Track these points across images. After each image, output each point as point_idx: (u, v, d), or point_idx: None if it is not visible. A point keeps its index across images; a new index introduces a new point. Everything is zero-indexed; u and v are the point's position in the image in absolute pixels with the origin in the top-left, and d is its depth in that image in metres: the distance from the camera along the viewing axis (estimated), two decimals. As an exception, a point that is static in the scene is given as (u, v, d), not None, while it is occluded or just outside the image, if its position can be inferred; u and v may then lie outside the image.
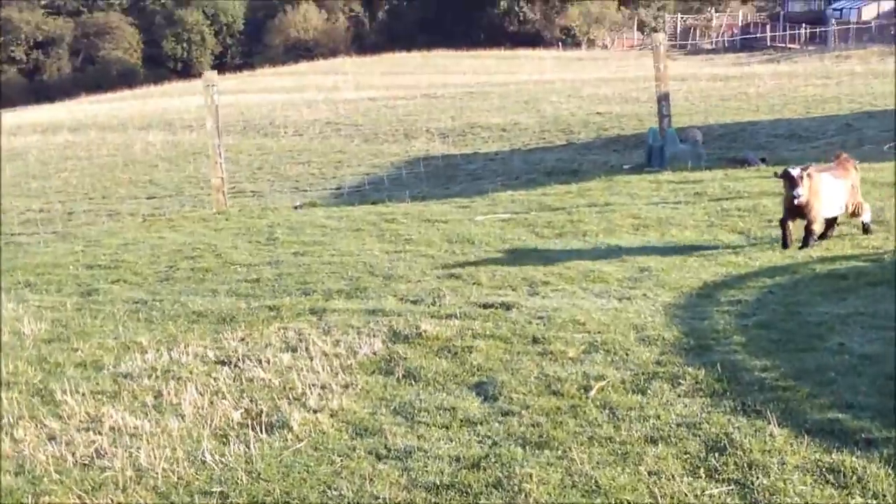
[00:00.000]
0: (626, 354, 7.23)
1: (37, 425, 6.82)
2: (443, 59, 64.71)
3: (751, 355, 7.06)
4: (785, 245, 9.90)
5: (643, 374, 6.85)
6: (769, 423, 5.87)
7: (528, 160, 17.18)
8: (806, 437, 5.67)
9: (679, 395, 6.45)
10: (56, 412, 7.01)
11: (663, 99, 15.20)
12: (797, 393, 6.31)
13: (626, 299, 8.61)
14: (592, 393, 6.60)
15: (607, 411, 6.30)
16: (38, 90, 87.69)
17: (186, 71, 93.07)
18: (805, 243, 9.90)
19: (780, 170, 10.16)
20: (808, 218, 9.86)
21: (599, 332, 7.72)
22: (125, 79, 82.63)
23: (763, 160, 14.45)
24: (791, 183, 9.67)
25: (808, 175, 9.71)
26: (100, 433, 6.58)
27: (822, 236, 10.19)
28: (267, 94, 38.40)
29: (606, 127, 20.31)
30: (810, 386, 6.41)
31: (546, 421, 6.23)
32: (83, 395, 7.29)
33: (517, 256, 10.45)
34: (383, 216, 13.01)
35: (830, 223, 10.26)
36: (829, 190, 9.90)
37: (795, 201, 9.63)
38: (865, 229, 10.33)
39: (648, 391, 6.54)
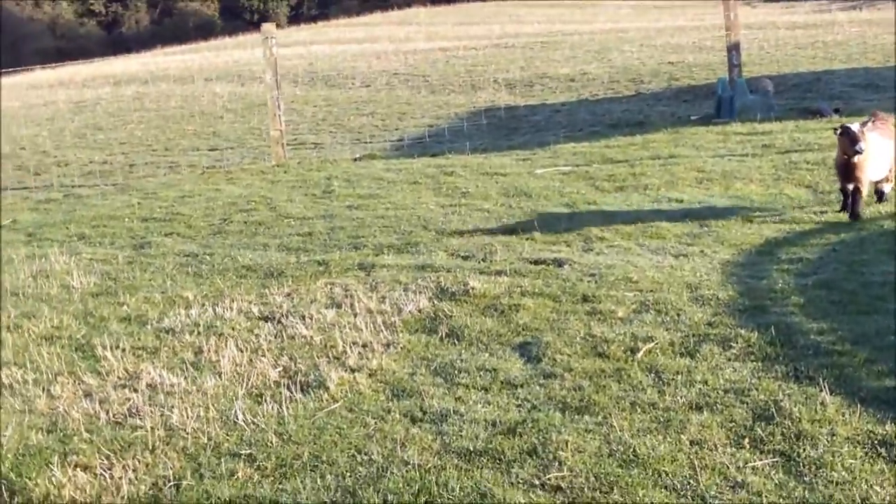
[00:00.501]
0: (678, 315, 6.96)
1: (75, 381, 6.75)
2: (517, 9, 63.92)
3: (808, 317, 6.75)
4: (854, 214, 9.05)
5: (693, 335, 6.57)
6: (821, 390, 5.58)
7: (595, 111, 16.81)
8: (859, 406, 5.37)
9: (729, 359, 6.17)
10: (95, 368, 6.94)
11: (733, 48, 14.72)
12: (854, 358, 6.00)
13: (683, 256, 8.31)
14: (639, 355, 6.34)
15: (653, 375, 6.05)
16: (117, 42, 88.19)
17: (263, 22, 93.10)
18: (855, 213, 9.04)
19: (839, 126, 9.17)
20: (858, 181, 8.96)
21: (652, 291, 7.44)
22: (202, 31, 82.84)
23: (837, 110, 13.94)
24: (851, 139, 8.77)
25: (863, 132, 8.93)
26: (136, 390, 6.48)
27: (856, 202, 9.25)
28: (339, 45, 38.17)
29: (678, 77, 19.81)
30: (868, 351, 6.09)
31: (589, 384, 5.99)
32: (124, 350, 7.21)
33: (575, 211, 10.18)
34: (442, 168, 12.77)
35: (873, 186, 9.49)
36: (878, 150, 9.07)
37: (854, 158, 8.79)
38: (883, 196, 9.50)
39: (698, 354, 6.27)
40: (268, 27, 14.24)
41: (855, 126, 8.84)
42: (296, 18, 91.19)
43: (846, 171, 8.95)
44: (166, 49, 57.64)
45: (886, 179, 9.36)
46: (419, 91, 21.76)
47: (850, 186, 9.00)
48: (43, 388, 6.66)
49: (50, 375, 6.88)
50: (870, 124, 9.16)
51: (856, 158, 8.78)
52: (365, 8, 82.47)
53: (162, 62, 37.96)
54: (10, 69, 30.21)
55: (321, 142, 16.45)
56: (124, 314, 8.05)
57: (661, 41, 26.29)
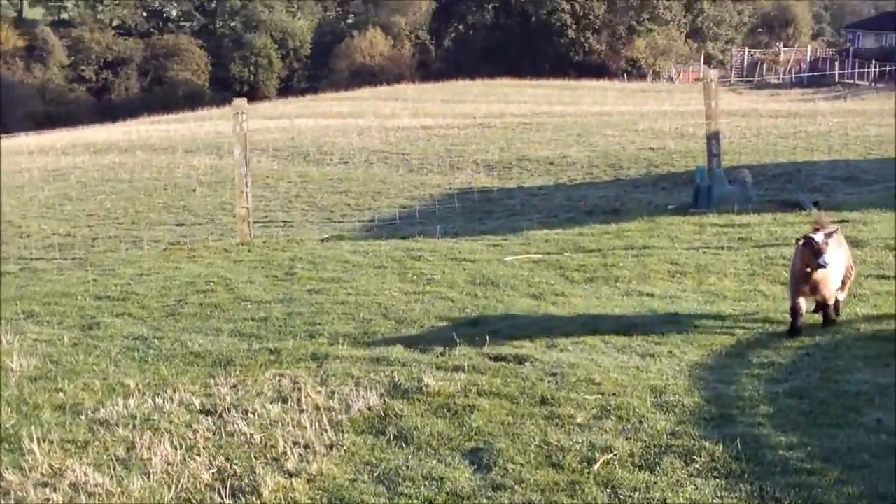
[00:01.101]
0: (640, 422, 6.57)
1: (-6, 478, 6.31)
2: (505, 88, 64.22)
3: (777, 429, 6.36)
4: (794, 331, 8.29)
5: (655, 446, 6.17)
6: (787, 515, 5.18)
7: (572, 196, 16.52)
8: (827, 535, 4.97)
9: (691, 475, 5.77)
10: (19, 462, 6.50)
11: (713, 137, 14.47)
12: (823, 478, 5.61)
13: (650, 356, 7.93)
14: (596, 467, 5.94)
15: (609, 491, 5.65)
16: (105, 109, 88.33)
17: (253, 93, 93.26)
18: (828, 318, 8.49)
19: (801, 236, 8.30)
20: (823, 295, 8.34)
21: (615, 395, 7.05)
22: (191, 100, 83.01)
23: (816, 203, 13.66)
24: (814, 251, 7.99)
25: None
26: (56, 490, 6.07)
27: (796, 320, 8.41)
28: (323, 119, 38.05)
29: (657, 163, 19.59)
30: (840, 470, 5.70)
31: (540, 499, 5.60)
32: (52, 443, 6.78)
33: (542, 303, 9.80)
34: (410, 252, 12.41)
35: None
36: (836, 259, 8.32)
37: (819, 272, 8.06)
38: (837, 309, 8.65)
39: (658, 468, 5.87)
40: (239, 102, 13.95)
41: (818, 236, 8.06)
42: (285, 91, 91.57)
43: (808, 284, 8.22)
44: (153, 117, 57.66)
45: (842, 287, 8.69)
46: (397, 169, 21.50)
47: (803, 302, 8.34)
48: (-42, 485, 6.23)
49: (-31, 470, 6.45)
50: (834, 235, 8.36)
51: (819, 273, 8.09)
52: (354, 82, 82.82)
53: (145, 131, 37.79)
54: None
55: (291, 220, 16.11)
56: (60, 402, 7.62)
57: (643, 126, 26.18)
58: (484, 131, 27.98)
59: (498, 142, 24.94)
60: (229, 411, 7.18)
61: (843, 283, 8.64)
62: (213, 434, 6.82)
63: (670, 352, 8.01)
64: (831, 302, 8.45)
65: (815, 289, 8.26)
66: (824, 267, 7.99)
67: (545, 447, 6.27)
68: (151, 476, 6.18)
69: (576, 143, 23.99)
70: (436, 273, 11.18)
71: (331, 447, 6.48)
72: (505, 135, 26.68)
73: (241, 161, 13.84)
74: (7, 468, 6.42)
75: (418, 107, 45.05)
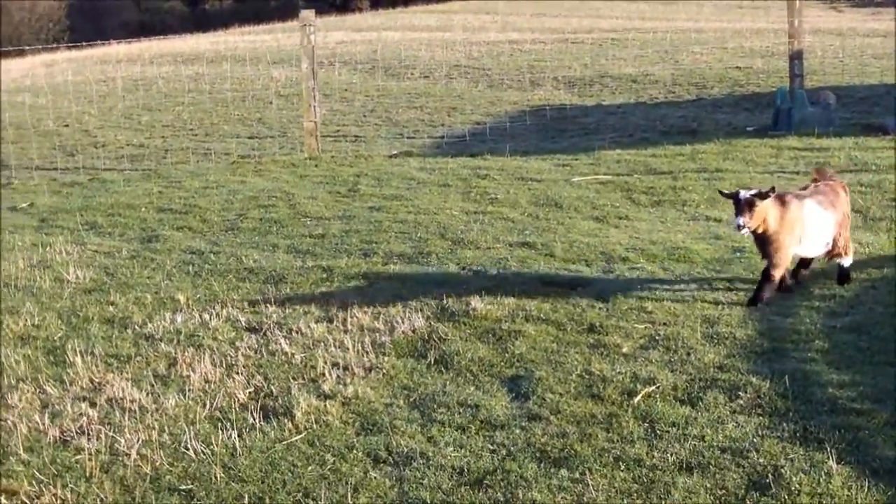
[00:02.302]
0: (687, 354, 6.35)
1: (35, 390, 6.35)
2: (598, 3, 62.96)
3: (829, 366, 6.10)
4: (754, 299, 7.18)
5: (700, 379, 5.97)
6: (829, 457, 4.95)
7: (650, 115, 16.08)
8: (869, 480, 4.74)
9: (733, 412, 5.56)
10: (61, 376, 6.52)
11: (796, 57, 13.93)
12: (872, 420, 5.36)
13: (708, 285, 7.67)
14: (636, 400, 5.76)
15: (646, 425, 5.46)
16: (199, 19, 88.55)
17: (345, 5, 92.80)
18: (755, 298, 7.14)
19: (730, 191, 7.17)
20: (770, 258, 7.11)
21: (665, 324, 6.84)
22: (282, 12, 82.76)
23: (903, 128, 13.11)
24: (735, 210, 6.91)
25: (773, 199, 6.94)
26: (94, 405, 6.07)
27: (794, 277, 7.55)
28: (410, 33, 37.63)
29: (743, 83, 18.97)
30: (890, 411, 5.43)
31: (574, 431, 5.43)
32: (96, 357, 6.78)
33: (604, 226, 9.56)
34: (476, 171, 12.19)
35: (806, 263, 7.65)
36: (813, 222, 7.16)
37: (738, 232, 7.06)
38: (843, 275, 7.52)
39: (700, 403, 5.67)
40: (306, 14, 13.73)
41: (745, 193, 6.87)
42: (377, 3, 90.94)
43: (757, 242, 7.23)
44: (244, 28, 57.54)
45: (838, 254, 7.46)
46: (476, 85, 21.16)
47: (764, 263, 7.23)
48: (0, 397, 6.25)
49: (12, 381, 6.48)
50: (811, 187, 7.42)
51: (740, 233, 7.05)
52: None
53: (233, 42, 37.70)
54: (90, 42, 30.11)
55: (363, 135, 15.94)
56: (109, 315, 7.64)
57: (733, 44, 25.37)
58: (570, 47, 27.39)
59: (582, 58, 24.40)
60: (273, 330, 7.12)
61: (834, 248, 7.40)
62: (255, 352, 6.77)
63: (729, 281, 7.74)
64: (776, 273, 7.10)
65: (763, 248, 7.16)
66: (738, 230, 6.90)
67: (586, 377, 6.10)
68: (187, 393, 6.15)
69: (661, 60, 23.36)
70: (499, 192, 10.97)
71: (370, 370, 6.38)
72: (591, 51, 26.09)
73: (309, 74, 13.68)
74: (48, 381, 6.43)
75: (508, 21, 44.38)
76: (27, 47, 50.68)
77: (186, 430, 5.62)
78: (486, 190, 11.13)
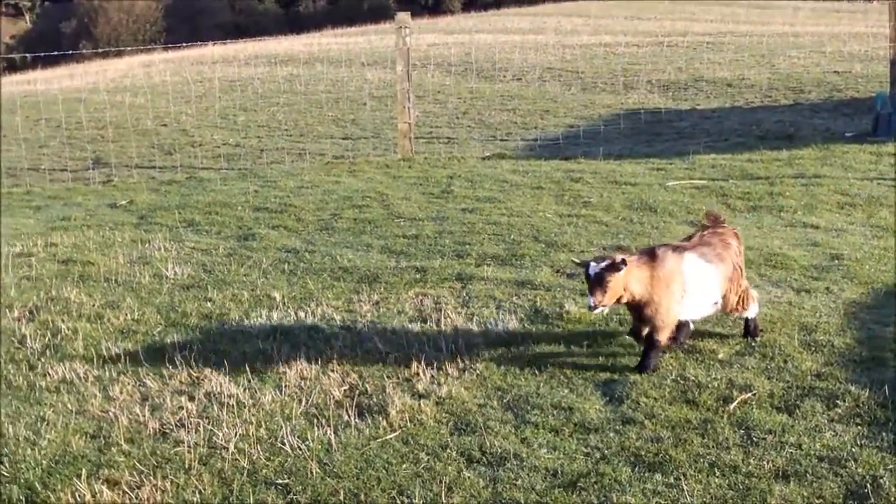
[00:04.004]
0: (784, 361, 6.28)
1: (135, 383, 6.47)
2: (693, 6, 62.40)
3: (931, 376, 5.99)
4: (643, 367, 6.28)
5: (797, 387, 5.90)
6: (930, 468, 4.87)
7: (746, 120, 15.93)
8: (972, 492, 4.65)
9: (831, 420, 5.48)
10: (160, 369, 6.64)
11: (897, 62, 13.74)
12: (975, 431, 5.25)
13: (805, 292, 7.58)
14: (732, 406, 5.71)
15: (742, 432, 5.41)
16: (293, 21, 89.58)
17: (436, 8, 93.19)
18: (642, 366, 6.27)
19: (581, 260, 6.28)
20: (651, 322, 6.24)
21: (762, 330, 6.76)
22: (375, 13, 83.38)
23: None
24: (587, 285, 6.06)
25: (637, 259, 6.17)
26: (192, 398, 6.16)
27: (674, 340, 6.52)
28: (502, 35, 37.71)
29: (841, 88, 18.72)
30: None
31: (669, 436, 5.40)
32: (195, 352, 6.89)
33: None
34: (569, 174, 12.18)
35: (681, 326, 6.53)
36: (696, 279, 6.26)
37: (591, 313, 6.31)
38: (748, 329, 6.70)
39: (797, 411, 5.60)
40: (402, 16, 13.83)
41: (595, 267, 5.97)
42: (469, 5, 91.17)
43: (630, 309, 6.34)
44: (337, 30, 58.04)
45: (734, 309, 6.60)
46: (569, 88, 21.14)
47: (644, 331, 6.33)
48: (101, 388, 6.39)
49: (113, 374, 6.62)
50: (696, 237, 6.57)
51: (593, 313, 6.27)
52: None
53: (326, 43, 38.11)
54: (186, 43, 30.69)
55: (456, 136, 16.01)
56: (207, 311, 7.76)
57: (831, 48, 25.03)
58: (663, 50, 27.26)
59: (676, 61, 24.26)
60: (368, 328, 7.18)
61: (726, 305, 6.54)
62: (350, 350, 6.83)
63: (827, 288, 7.64)
64: (662, 337, 6.25)
65: (637, 317, 6.34)
66: (590, 310, 6.07)
67: (681, 382, 6.06)
68: (284, 389, 6.22)
69: (757, 64, 23.13)
70: (593, 196, 10.95)
71: (463, 370, 6.40)
72: (685, 54, 25.93)
73: (404, 76, 13.77)
74: (148, 374, 6.56)
75: (600, 24, 44.22)
76: (125, 48, 51.73)
77: (283, 425, 5.69)
78: (579, 193, 11.11)
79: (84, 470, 5.27)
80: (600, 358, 6.48)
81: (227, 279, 8.58)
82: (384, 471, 5.19)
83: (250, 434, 5.64)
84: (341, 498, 4.95)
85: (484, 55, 27.37)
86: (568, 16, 54.01)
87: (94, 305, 7.98)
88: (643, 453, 5.23)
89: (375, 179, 12.47)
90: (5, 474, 5.29)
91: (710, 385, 5.98)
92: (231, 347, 6.99)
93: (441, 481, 5.04)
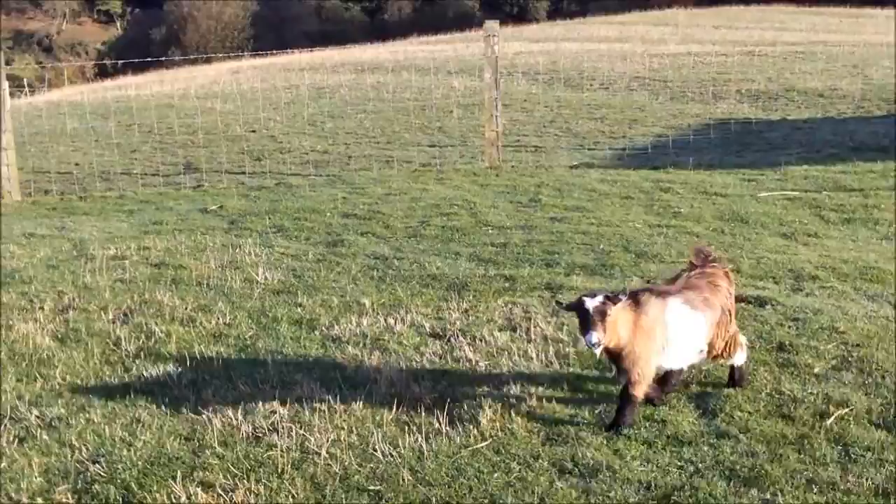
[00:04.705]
0: (882, 377, 6.16)
1: (228, 386, 6.52)
2: (782, 14, 61.65)
3: None
4: (616, 423, 5.71)
5: (896, 404, 5.77)
6: None
7: (838, 131, 15.68)
8: None
9: (932, 438, 5.36)
10: (252, 373, 6.69)
11: None
12: None
13: (903, 307, 7.42)
14: (829, 422, 5.60)
15: (840, 448, 5.31)
16: (378, 28, 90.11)
17: (522, 16, 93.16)
18: (615, 424, 5.69)
19: (575, 299, 5.69)
20: (628, 374, 5.66)
21: (858, 346, 6.64)
22: (460, 21, 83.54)
23: None
24: (582, 323, 5.48)
25: (627, 303, 5.59)
26: (284, 403, 6.19)
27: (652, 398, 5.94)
28: (588, 44, 37.59)
29: (938, 98, 18.39)
30: None
31: (764, 451, 5.32)
32: (286, 356, 6.95)
33: (791, 243, 9.35)
34: (659, 184, 12.09)
35: (668, 377, 6.02)
36: (680, 327, 5.72)
37: (593, 351, 5.60)
38: (734, 377, 6.15)
39: (896, 428, 5.49)
40: (490, 24, 13.83)
41: (593, 300, 5.44)
42: (555, 14, 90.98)
43: (608, 355, 5.74)
44: (422, 38, 58.29)
45: (719, 356, 6.03)
46: (657, 97, 20.99)
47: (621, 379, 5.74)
48: (195, 391, 6.46)
49: (206, 377, 6.69)
50: (683, 278, 6.03)
51: (595, 352, 5.61)
52: (624, 6, 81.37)
53: (412, 51, 38.28)
54: (273, 50, 31.00)
55: (543, 145, 15.96)
56: (297, 316, 7.81)
57: (926, 58, 24.55)
58: (752, 59, 26.95)
59: (766, 71, 23.97)
60: (457, 336, 7.17)
61: (710, 352, 5.98)
62: (440, 358, 6.82)
63: (926, 303, 7.48)
64: (638, 391, 5.67)
65: (617, 361, 5.72)
66: (593, 348, 5.48)
67: (776, 396, 5.97)
68: (374, 396, 6.23)
69: (849, 74, 22.76)
70: (683, 206, 10.85)
71: (555, 380, 6.37)
72: (774, 64, 25.61)
73: (492, 84, 13.77)
74: (241, 378, 6.62)
75: (687, 32, 43.87)
76: (213, 54, 52.44)
77: (374, 431, 5.70)
78: (669, 203, 11.02)
79: (179, 472, 5.33)
80: (693, 371, 6.40)
81: (317, 285, 8.63)
82: (475, 479, 5.18)
83: (342, 439, 5.66)
84: (433, 505, 4.95)
85: (570, 63, 27.29)
86: (654, 24, 53.67)
87: (186, 309, 8.08)
88: (738, 468, 5.16)
89: (463, 187, 12.48)
90: (102, 474, 5.36)
91: (806, 400, 5.89)
92: (321, 353, 7.03)
93: (533, 492, 5.02)
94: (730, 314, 5.99)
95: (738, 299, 7.54)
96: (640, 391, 5.68)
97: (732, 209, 10.61)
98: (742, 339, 6.15)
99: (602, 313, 5.40)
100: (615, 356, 5.66)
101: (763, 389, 6.07)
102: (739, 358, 6.10)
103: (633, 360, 5.61)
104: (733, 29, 48.17)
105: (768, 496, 4.87)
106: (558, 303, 6.08)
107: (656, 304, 5.68)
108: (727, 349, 6.01)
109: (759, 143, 15.28)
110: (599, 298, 5.43)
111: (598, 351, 5.54)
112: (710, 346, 5.93)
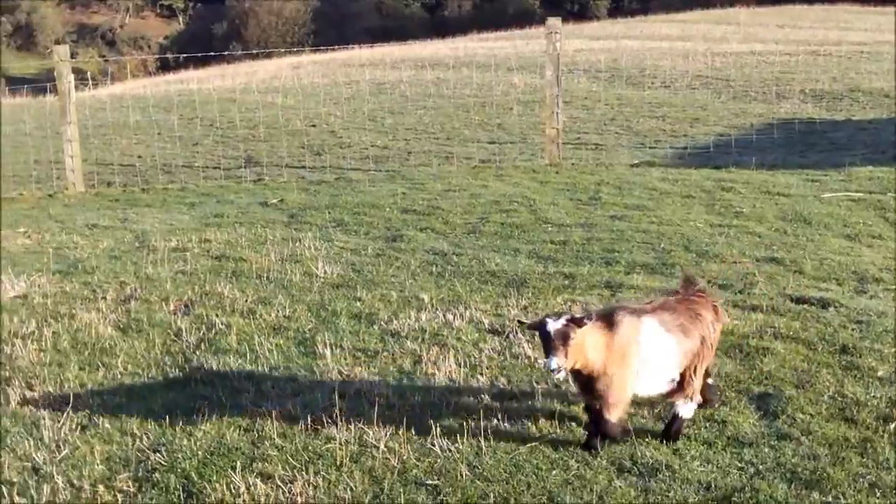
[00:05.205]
0: (949, 382, 6.06)
1: (287, 378, 6.56)
2: (847, 14, 60.89)
3: None
4: (588, 445, 5.44)
5: (963, 409, 5.68)
6: None
7: (905, 132, 15.49)
8: None
9: None
10: (311, 366, 6.72)
11: None
12: None
13: (970, 311, 7.30)
14: (893, 426, 5.53)
15: (904, 452, 5.24)
16: (438, 25, 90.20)
17: (582, 13, 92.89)
18: (589, 442, 5.44)
19: (537, 319, 5.34)
20: (602, 398, 5.34)
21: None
22: (520, 18, 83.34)
23: None
24: (543, 346, 5.19)
25: (595, 322, 5.21)
26: (343, 396, 6.20)
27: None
28: (649, 42, 37.34)
29: None
30: None
31: (826, 454, 5.26)
32: (345, 350, 6.97)
33: (855, 245, 9.23)
34: (720, 183, 11.98)
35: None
36: (653, 348, 5.36)
37: (553, 376, 5.40)
38: (670, 428, 5.55)
39: (963, 433, 5.40)
40: (553, 21, 13.78)
41: (555, 323, 5.10)
42: (615, 11, 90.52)
43: (577, 381, 5.44)
44: (482, 34, 58.20)
45: (675, 392, 5.54)
46: (719, 96, 20.81)
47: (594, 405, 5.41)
48: (254, 383, 6.51)
49: (266, 369, 6.73)
50: (661, 300, 5.69)
51: (555, 377, 5.47)
52: (686, 4, 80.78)
53: (472, 48, 38.24)
54: (334, 46, 31.22)
55: (603, 143, 15.89)
56: (356, 310, 7.83)
57: None
58: (817, 59, 26.63)
59: (830, 71, 23.68)
60: (516, 333, 7.15)
61: (683, 383, 5.51)
62: (499, 354, 6.82)
63: None
64: (613, 417, 5.36)
65: (585, 390, 5.41)
66: (553, 373, 5.18)
67: (839, 399, 5.90)
68: (433, 391, 6.24)
69: (917, 74, 22.44)
70: (745, 206, 10.74)
71: (613, 379, 6.33)
72: (839, 64, 25.29)
73: (553, 81, 13.73)
74: (300, 370, 6.65)
75: (750, 31, 43.48)
76: (274, 49, 52.75)
77: (433, 426, 5.70)
78: (730, 203, 10.92)
79: (238, 462, 5.37)
80: (754, 371, 6.34)
81: (376, 279, 8.65)
82: (534, 476, 5.17)
83: (400, 434, 5.66)
84: (491, 501, 4.95)
85: (631, 61, 27.12)
86: (716, 23, 53.26)
87: (246, 301, 8.14)
88: (799, 470, 5.10)
89: (523, 184, 12.45)
90: (163, 463, 5.41)
91: (869, 403, 5.81)
92: (381, 347, 7.04)
93: (591, 490, 5.00)
94: (711, 347, 5.57)
95: (800, 301, 7.51)
96: (615, 416, 5.35)
97: (795, 209, 10.50)
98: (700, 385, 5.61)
99: (564, 336, 5.06)
100: (586, 380, 5.30)
101: (825, 392, 6.00)
102: (688, 408, 5.55)
103: (607, 384, 5.27)
104: (797, 28, 47.67)
105: (830, 499, 4.82)
106: (520, 322, 5.72)
107: (630, 323, 5.32)
108: (692, 390, 5.52)
109: (823, 143, 15.11)
110: (562, 321, 5.09)
111: (558, 377, 5.30)
112: (683, 378, 5.47)
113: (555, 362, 5.04)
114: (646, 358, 5.33)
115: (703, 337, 5.48)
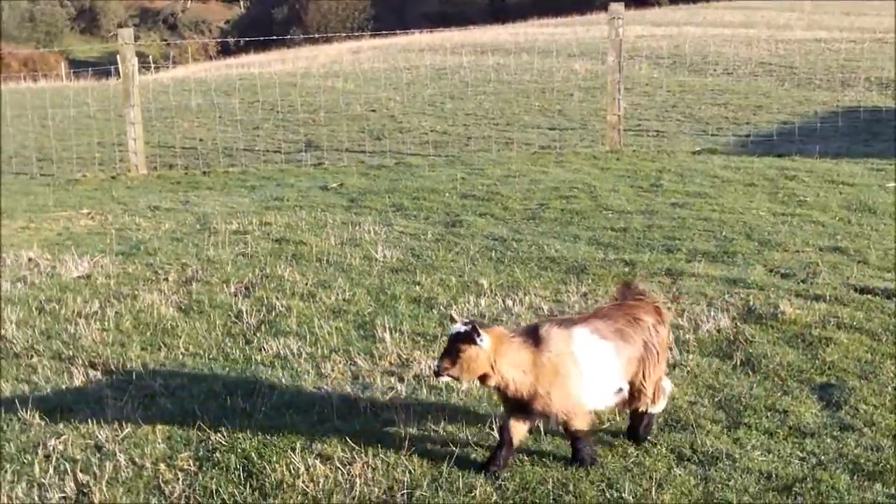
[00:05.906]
0: None
1: (346, 361, 6.59)
2: (914, 2, 59.92)
3: None
4: (491, 463, 5.10)
5: None
6: None
7: (974, 121, 15.24)
8: None
9: None
10: (371, 350, 6.75)
11: None
12: None
13: None
14: (959, 418, 5.44)
15: (970, 446, 5.15)
16: (498, 10, 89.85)
17: (643, 0, 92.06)
18: (577, 460, 5.12)
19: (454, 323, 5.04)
20: (554, 418, 5.08)
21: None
22: (581, 4, 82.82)
23: None
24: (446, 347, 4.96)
25: (519, 338, 4.98)
26: (402, 380, 6.24)
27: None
28: (711, 28, 37.00)
29: None
30: None
31: (890, 445, 5.19)
32: (404, 334, 6.98)
33: (922, 234, 9.10)
34: (784, 171, 11.86)
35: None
36: (588, 360, 5.01)
37: (438, 378, 5.11)
38: (639, 426, 5.38)
39: None
40: (616, 7, 13.68)
41: (456, 327, 4.89)
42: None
43: (505, 401, 5.14)
44: (542, 20, 58.01)
45: (639, 403, 5.28)
46: (782, 83, 20.58)
47: (515, 424, 5.08)
48: (314, 365, 6.54)
49: (325, 352, 6.76)
50: (594, 310, 5.56)
51: (442, 379, 5.07)
52: (749, -9, 79.81)
53: (532, 34, 38.10)
54: (393, 31, 31.22)
55: (664, 130, 15.78)
56: (415, 294, 7.84)
57: None
58: (882, 47, 26.21)
59: (897, 58, 23.33)
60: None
61: (632, 394, 5.24)
62: (559, 341, 6.78)
63: None
64: (576, 424, 5.07)
65: (518, 407, 5.06)
66: (436, 376, 4.97)
67: (904, 390, 5.82)
68: (492, 376, 6.22)
69: (985, 63, 22.04)
70: (808, 195, 10.62)
71: (674, 366, 6.30)
72: (906, 52, 24.91)
73: (615, 67, 13.65)
74: (359, 354, 6.67)
75: (815, 18, 42.92)
76: (334, 34, 52.95)
77: (491, 411, 5.70)
78: (794, 191, 10.81)
79: (298, 443, 5.39)
80: (817, 361, 6.28)
81: (435, 264, 8.65)
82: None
83: (459, 419, 5.66)
84: (549, 487, 4.93)
85: (693, 48, 26.89)
86: (780, 10, 52.60)
87: (306, 284, 8.18)
88: (862, 461, 5.04)
89: (583, 170, 12.40)
90: (223, 443, 5.45)
91: (935, 395, 5.73)
92: (439, 332, 7.05)
93: (651, 477, 4.97)
94: (657, 353, 5.23)
95: (864, 291, 7.42)
96: (581, 423, 5.05)
97: (860, 199, 10.36)
98: (667, 385, 5.42)
99: (452, 347, 4.84)
100: (517, 401, 5.00)
101: (890, 383, 5.92)
102: (659, 406, 5.37)
103: (546, 403, 4.95)
104: (862, 16, 46.95)
105: (893, 491, 4.76)
106: (452, 316, 5.48)
107: (559, 335, 4.99)
108: (654, 393, 5.26)
109: (889, 132, 14.89)
110: (459, 330, 4.83)
111: (442, 379, 5.02)
112: (634, 387, 5.21)
113: (437, 365, 4.89)
114: (583, 369, 5.01)
115: (644, 341, 5.19)
